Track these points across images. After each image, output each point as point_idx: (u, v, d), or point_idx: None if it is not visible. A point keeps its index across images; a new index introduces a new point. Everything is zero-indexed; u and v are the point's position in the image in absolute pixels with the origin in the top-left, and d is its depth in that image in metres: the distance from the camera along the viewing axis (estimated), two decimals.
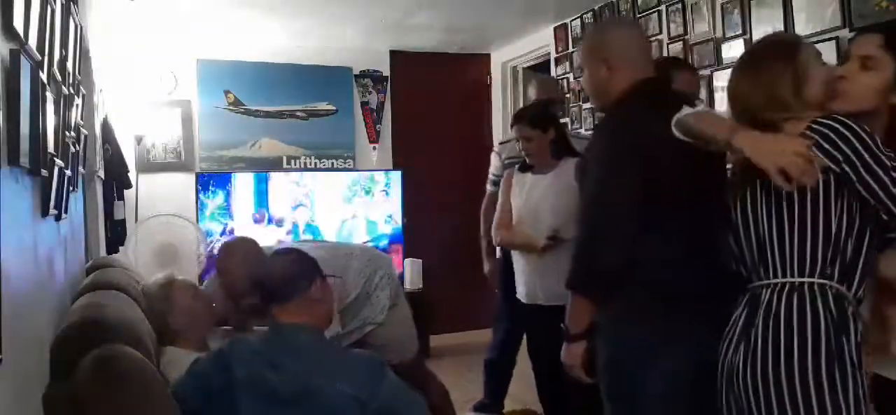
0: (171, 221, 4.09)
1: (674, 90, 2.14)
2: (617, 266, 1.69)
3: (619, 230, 1.69)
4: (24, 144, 1.32)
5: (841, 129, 1.43)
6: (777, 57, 1.54)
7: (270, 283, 1.78)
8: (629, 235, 1.68)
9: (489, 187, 3.48)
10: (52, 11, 1.70)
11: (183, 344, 2.21)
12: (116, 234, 3.80)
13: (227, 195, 4.52)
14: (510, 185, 3.08)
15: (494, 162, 3.51)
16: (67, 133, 2.11)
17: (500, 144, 3.72)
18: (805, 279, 1.46)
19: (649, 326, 1.72)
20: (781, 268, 1.49)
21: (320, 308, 1.79)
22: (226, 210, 4.52)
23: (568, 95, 4.51)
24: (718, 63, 3.31)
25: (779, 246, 1.49)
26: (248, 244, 2.49)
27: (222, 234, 4.46)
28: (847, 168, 1.42)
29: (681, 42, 3.55)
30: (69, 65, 2.15)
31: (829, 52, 2.53)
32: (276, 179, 4.68)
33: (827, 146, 1.43)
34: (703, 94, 3.39)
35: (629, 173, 1.68)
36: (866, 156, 1.41)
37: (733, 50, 3.20)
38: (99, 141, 3.62)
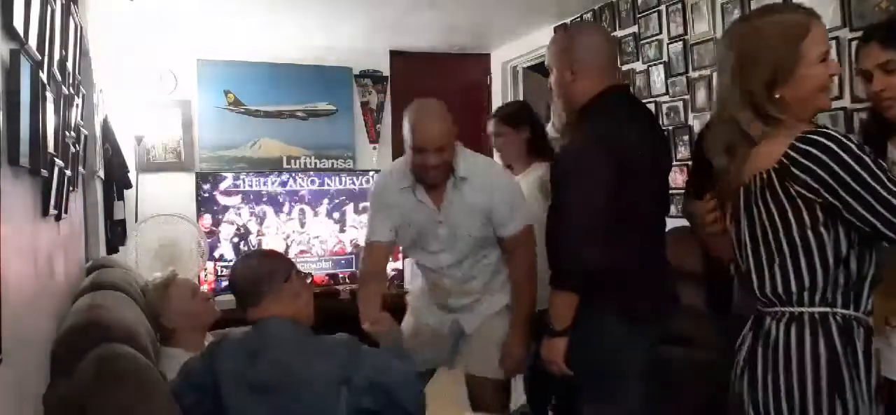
0: (171, 221, 4.10)
1: (637, 98, 2.46)
2: (600, 263, 1.81)
3: (599, 229, 1.80)
4: (24, 144, 1.32)
5: (824, 142, 1.29)
6: (776, 37, 1.36)
7: (242, 285, 1.78)
8: (606, 232, 1.81)
9: None
10: (52, 11, 1.70)
11: (180, 344, 2.21)
12: (116, 234, 3.80)
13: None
14: None
15: None
16: (67, 133, 2.11)
17: None
18: (805, 310, 1.35)
19: (616, 315, 1.89)
20: (784, 296, 1.38)
21: (299, 302, 1.79)
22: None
23: None
24: None
25: (769, 274, 1.39)
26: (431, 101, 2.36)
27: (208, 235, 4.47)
28: (826, 193, 1.29)
29: (681, 42, 3.54)
30: (69, 65, 2.15)
31: None
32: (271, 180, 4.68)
33: (802, 166, 1.31)
34: (703, 94, 3.40)
35: (605, 175, 1.81)
36: (846, 176, 1.27)
37: None
38: (99, 141, 3.63)
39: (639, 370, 1.95)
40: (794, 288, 1.36)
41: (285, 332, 1.71)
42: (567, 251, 1.87)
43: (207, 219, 4.44)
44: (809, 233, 1.33)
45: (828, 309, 1.35)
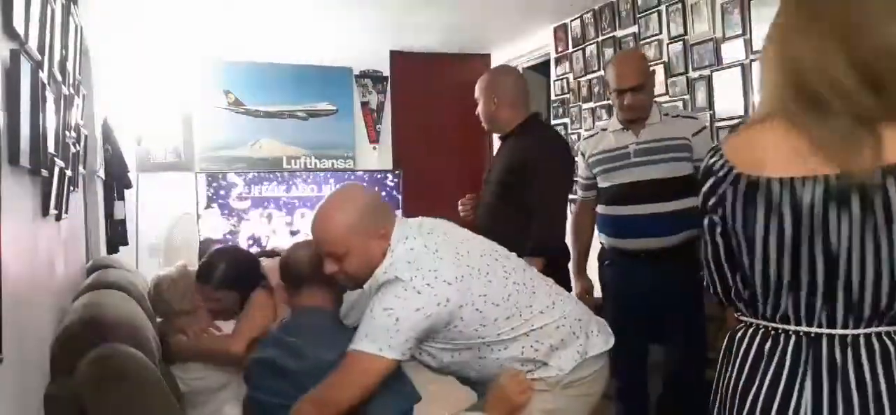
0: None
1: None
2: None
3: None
4: (25, 144, 1.32)
5: None
6: None
7: (309, 270, 1.90)
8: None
9: (580, 193, 2.86)
10: (53, 11, 1.70)
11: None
12: (117, 234, 3.80)
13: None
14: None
15: (580, 165, 2.86)
16: (68, 133, 2.11)
17: (584, 140, 2.87)
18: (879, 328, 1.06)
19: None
20: (855, 314, 1.06)
21: (335, 290, 1.92)
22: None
23: (568, 95, 4.51)
24: (718, 63, 3.31)
25: (859, 281, 1.04)
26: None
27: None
28: None
29: (681, 42, 3.54)
30: (69, 65, 2.16)
31: None
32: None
33: None
34: (703, 94, 3.40)
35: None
36: None
37: (733, 50, 3.20)
38: (99, 141, 3.63)
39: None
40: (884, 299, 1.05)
41: (325, 323, 1.83)
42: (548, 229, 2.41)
43: (205, 218, 4.44)
44: None
45: None
